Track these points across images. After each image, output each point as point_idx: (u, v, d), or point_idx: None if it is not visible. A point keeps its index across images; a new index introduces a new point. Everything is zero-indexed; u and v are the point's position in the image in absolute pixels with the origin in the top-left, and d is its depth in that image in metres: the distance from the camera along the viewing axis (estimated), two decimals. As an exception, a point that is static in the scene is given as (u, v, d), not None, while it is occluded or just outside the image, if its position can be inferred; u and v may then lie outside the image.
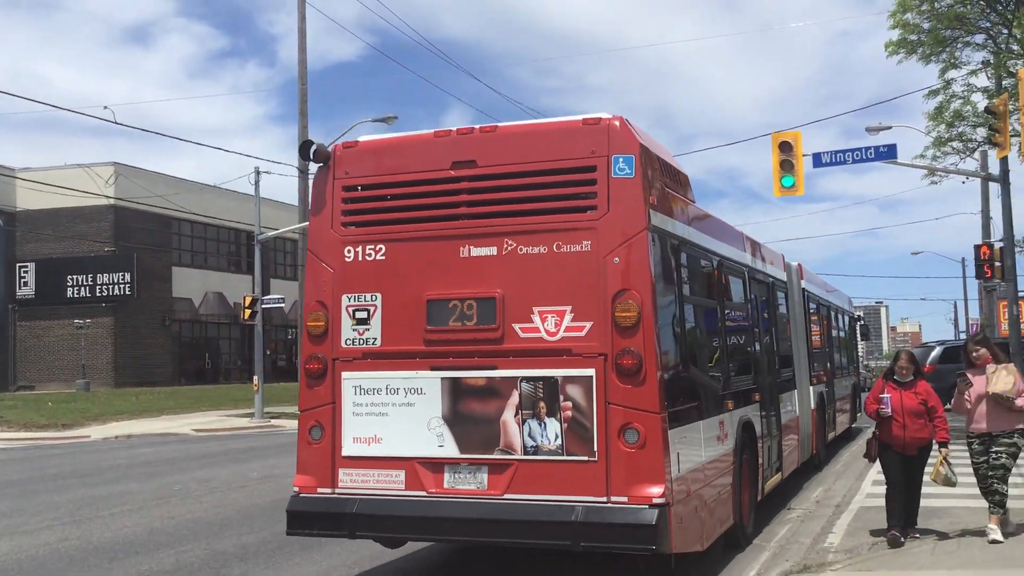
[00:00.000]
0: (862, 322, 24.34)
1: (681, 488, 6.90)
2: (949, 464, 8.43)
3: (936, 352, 27.44)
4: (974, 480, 8.71)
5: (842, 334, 20.33)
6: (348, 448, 7.35)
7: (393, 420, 7.27)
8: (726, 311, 9.51)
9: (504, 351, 7.01)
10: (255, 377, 30.13)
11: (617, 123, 7.00)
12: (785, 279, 13.55)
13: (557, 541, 6.80)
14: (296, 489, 7.50)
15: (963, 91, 21.27)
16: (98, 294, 46.33)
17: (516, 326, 7.00)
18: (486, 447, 6.99)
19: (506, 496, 6.87)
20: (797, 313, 14.23)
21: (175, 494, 13.54)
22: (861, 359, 31.42)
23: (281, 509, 7.83)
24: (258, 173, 32.01)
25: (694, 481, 7.33)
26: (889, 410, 8.56)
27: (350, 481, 7.31)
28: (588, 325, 6.80)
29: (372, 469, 7.27)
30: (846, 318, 21.40)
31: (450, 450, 7.09)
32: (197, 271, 51.37)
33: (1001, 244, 23.64)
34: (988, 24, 20.80)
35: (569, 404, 6.77)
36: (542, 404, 6.85)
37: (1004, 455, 8.36)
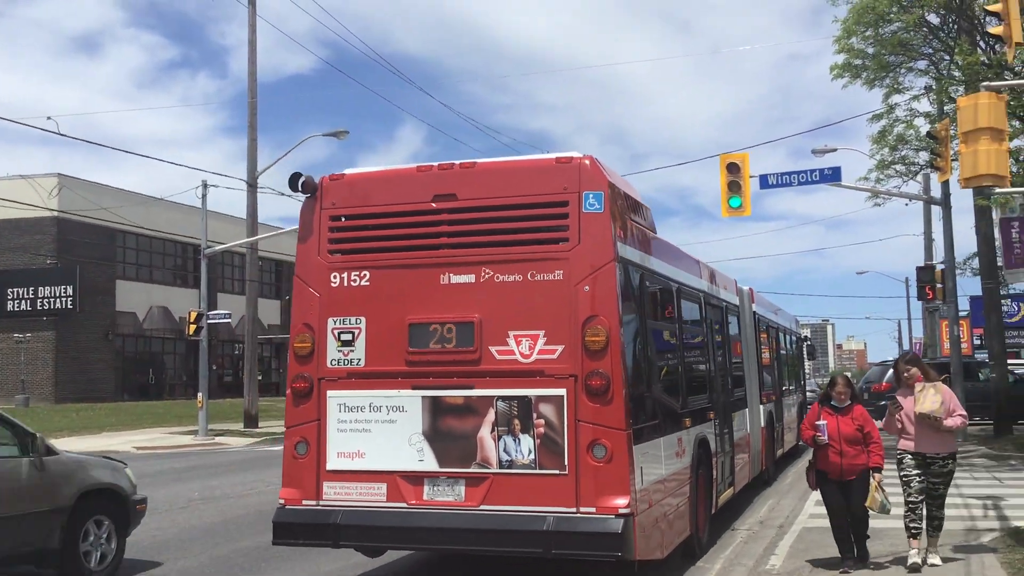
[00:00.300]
0: (808, 342, 25.11)
1: (644, 500, 7.37)
2: (884, 490, 8.21)
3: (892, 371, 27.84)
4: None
5: (789, 354, 21.14)
6: (332, 462, 7.71)
7: (376, 436, 7.65)
8: (684, 335, 10.09)
9: (481, 372, 7.45)
10: (199, 394, 29.67)
11: (587, 162, 7.56)
12: (737, 303, 14.20)
13: (530, 549, 7.23)
14: (282, 501, 7.80)
15: (906, 115, 21.67)
16: (39, 307, 45.31)
17: (493, 348, 7.45)
18: (464, 461, 7.41)
19: (482, 507, 7.28)
20: (748, 336, 14.88)
21: (113, 515, 13.20)
22: (808, 377, 32.16)
23: (221, 531, 7.74)
24: (205, 186, 31.61)
25: (655, 493, 7.80)
26: (825, 437, 8.37)
27: (334, 494, 7.68)
28: (560, 348, 7.28)
29: (355, 482, 7.64)
30: (793, 339, 22.21)
31: (430, 464, 7.50)
32: (142, 285, 50.50)
33: (942, 266, 24.12)
34: (931, 51, 21.25)
35: (542, 421, 7.23)
36: (517, 421, 7.30)
37: (941, 485, 8.26)
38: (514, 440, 7.28)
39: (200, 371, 30.55)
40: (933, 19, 20.42)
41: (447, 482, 7.44)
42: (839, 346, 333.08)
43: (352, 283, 7.93)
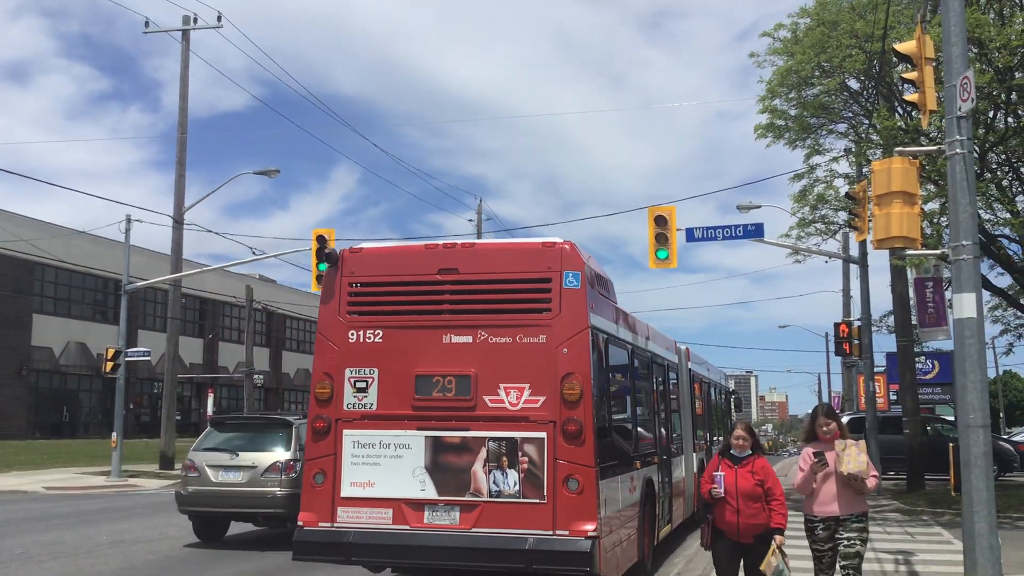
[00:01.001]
0: (735, 395, 27.24)
1: (607, 526, 8.79)
2: (783, 554, 7.44)
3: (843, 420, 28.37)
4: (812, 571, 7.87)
5: (718, 406, 23.04)
6: (346, 490, 9.05)
7: (384, 468, 9.03)
8: (637, 389, 11.91)
9: (476, 417, 8.88)
10: (114, 433, 28.83)
11: (567, 246, 9.15)
12: (676, 361, 16.12)
13: (513, 564, 8.51)
14: (301, 523, 9.08)
15: (826, 176, 22.27)
16: (-51, 340, 43.74)
17: (486, 398, 8.91)
18: (459, 491, 8.78)
19: (473, 529, 8.63)
20: (684, 390, 16.91)
21: (15, 558, 12.73)
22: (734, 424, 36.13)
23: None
24: (129, 221, 30.97)
25: (614, 522, 9.31)
26: (722, 491, 7.59)
27: (347, 517, 9.01)
28: (542, 399, 8.76)
29: (365, 508, 8.98)
30: (722, 392, 24.28)
31: (430, 493, 8.86)
32: (60, 319, 49.10)
33: (859, 323, 24.73)
34: (851, 114, 21.93)
35: (526, 459, 8.65)
36: (505, 458, 8.71)
37: (858, 541, 7.56)
38: (502, 474, 8.70)
39: (116, 410, 29.70)
40: (853, 84, 21.11)
41: (444, 508, 8.82)
42: (762, 398, 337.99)
43: (367, 339, 9.42)
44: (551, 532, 8.38)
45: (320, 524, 9.01)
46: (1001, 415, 65.11)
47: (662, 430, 13.61)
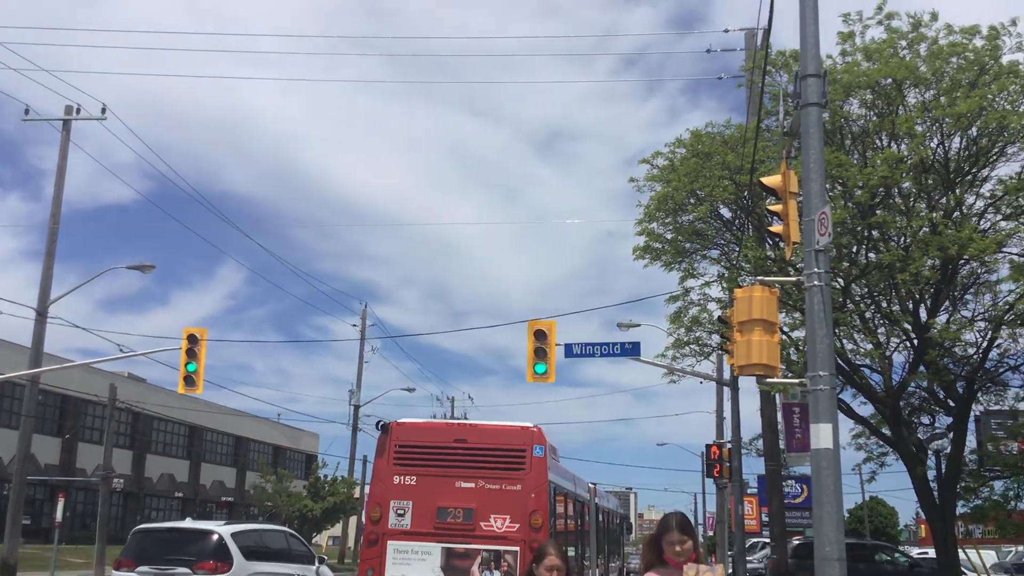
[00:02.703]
0: (628, 521, 35.59)
1: None
2: None
3: (793, 545, 28.36)
4: None
5: (615, 530, 28.15)
6: None
7: (414, 567, 13.94)
8: (569, 520, 17.19)
9: (475, 535, 14.03)
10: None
11: (536, 430, 14.88)
12: (588, 498, 20.81)
13: None
14: None
15: (700, 299, 22.75)
16: None
17: (481, 523, 14.08)
18: None
19: None
20: (594, 519, 21.67)
21: None
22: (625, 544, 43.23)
23: None
24: (-12, 312, 29.41)
25: None
26: None
27: None
28: (517, 525, 13.93)
29: None
30: (618, 517, 29.69)
31: None
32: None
33: (730, 445, 25.05)
34: (723, 242, 22.64)
35: (506, 563, 13.65)
36: (492, 563, 13.69)
37: None
38: (490, 572, 13.70)
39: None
40: (726, 213, 21.87)
41: None
42: (640, 515, 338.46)
43: (406, 482, 14.66)
44: None
45: None
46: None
47: (584, 549, 19.69)
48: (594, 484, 22.23)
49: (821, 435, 9.33)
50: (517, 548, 13.60)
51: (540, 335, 22.83)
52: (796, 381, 11.54)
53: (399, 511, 14.37)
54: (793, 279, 12.78)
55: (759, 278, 11.55)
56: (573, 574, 7.77)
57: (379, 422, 15.49)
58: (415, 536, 14.10)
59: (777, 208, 13.15)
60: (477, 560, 13.72)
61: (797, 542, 29.54)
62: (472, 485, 14.24)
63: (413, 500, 14.32)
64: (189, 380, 26.33)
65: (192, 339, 26.45)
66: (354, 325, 55.94)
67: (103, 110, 32.62)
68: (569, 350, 23.93)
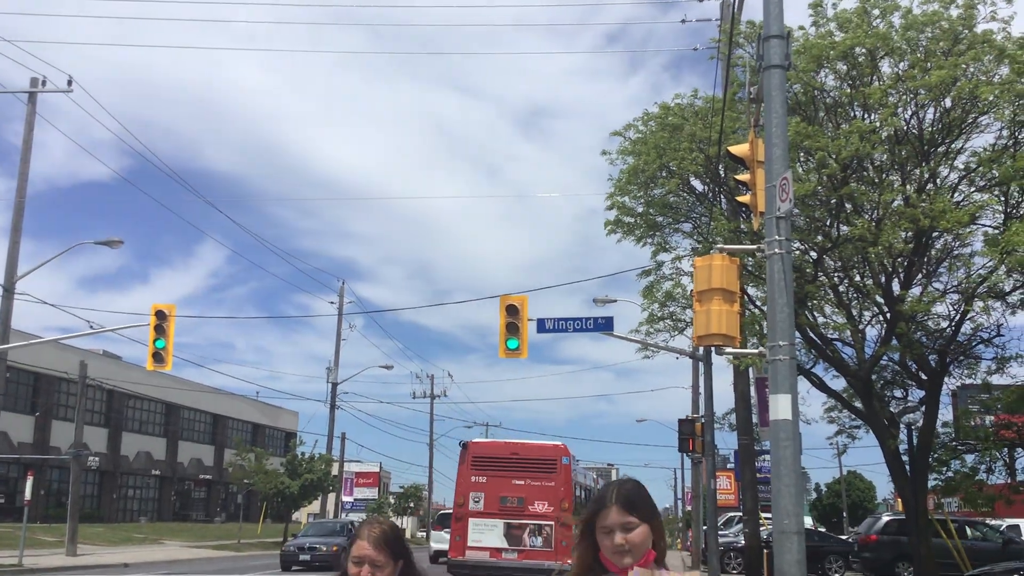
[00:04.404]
0: None
1: None
2: None
3: (882, 522, 28.08)
4: None
5: None
6: (470, 543, 21.79)
7: (486, 535, 21.76)
8: (583, 502, 22.66)
9: (525, 515, 21.80)
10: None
11: (563, 446, 23.05)
12: (591, 484, 27.09)
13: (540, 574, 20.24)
14: (449, 556, 22.38)
15: (672, 273, 22.56)
16: None
17: (529, 507, 21.82)
18: (517, 545, 21.61)
19: (523, 561, 21.41)
20: None
21: None
22: None
23: None
24: (-48, 287, 28.90)
25: None
26: None
27: (469, 554, 21.65)
28: (552, 508, 21.66)
29: (478, 551, 21.65)
30: None
31: (505, 545, 21.70)
32: None
33: (703, 420, 24.94)
34: (696, 215, 22.42)
35: (545, 533, 21.64)
36: (537, 532, 21.66)
37: None
38: (535, 538, 21.58)
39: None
40: (698, 185, 21.63)
41: (511, 552, 21.54)
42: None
43: (478, 480, 22.16)
44: (556, 564, 17.19)
45: (455, 556, 21.97)
46: (844, 514, 67.03)
47: None
48: (596, 475, 31.59)
49: (780, 406, 9.10)
50: (552, 522, 21.64)
51: (512, 310, 22.63)
52: (755, 351, 11.32)
53: (475, 499, 22.18)
54: (753, 247, 12.54)
55: (719, 246, 11.31)
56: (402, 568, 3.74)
57: (461, 441, 23.66)
58: (486, 515, 21.95)
59: (745, 177, 12.90)
60: (527, 531, 21.80)
61: (888, 518, 29.23)
62: (522, 483, 22.15)
63: (484, 492, 22.12)
64: (158, 356, 26.03)
65: (160, 315, 26.09)
66: (332, 303, 55.60)
67: (69, 82, 32.07)
68: (542, 325, 23.75)
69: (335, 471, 54.97)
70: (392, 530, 3.69)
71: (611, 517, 3.24)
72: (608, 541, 3.23)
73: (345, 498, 69.80)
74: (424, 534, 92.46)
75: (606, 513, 3.26)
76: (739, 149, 12.81)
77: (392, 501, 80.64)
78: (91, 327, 32.23)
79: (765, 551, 17.89)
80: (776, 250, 9.41)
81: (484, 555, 21.64)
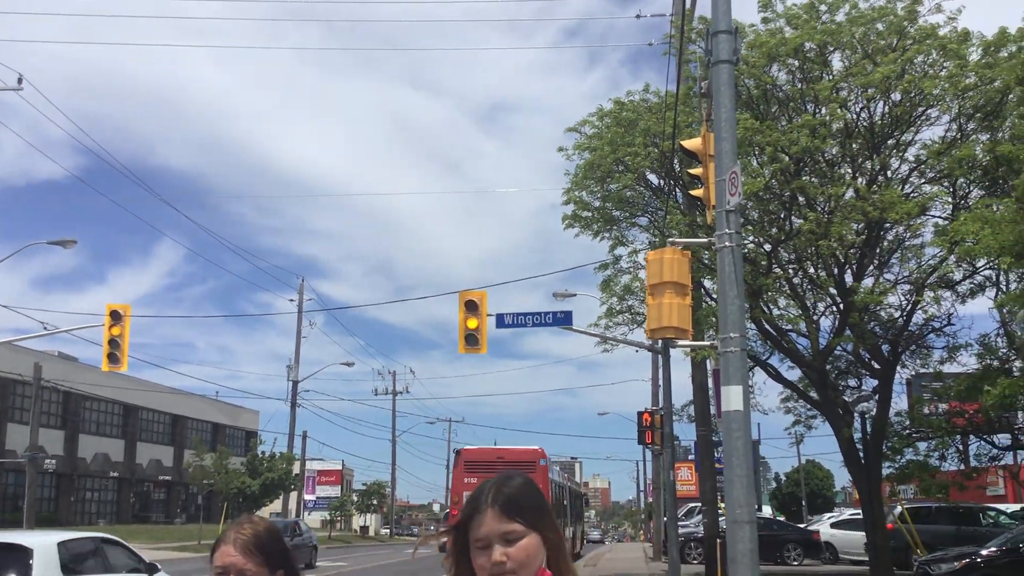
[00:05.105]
0: (586, 496, 50.56)
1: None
2: None
3: (897, 511, 28.20)
4: None
5: (579, 504, 44.64)
6: None
7: None
8: (560, 499, 32.71)
9: None
10: None
11: (540, 450, 30.12)
12: (567, 484, 33.52)
13: None
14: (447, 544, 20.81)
15: (629, 267, 22.74)
16: None
17: None
18: None
19: None
20: (567, 495, 36.07)
21: None
22: (585, 510, 56.71)
23: None
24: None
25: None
26: None
27: None
28: None
29: None
30: (580, 495, 46.14)
31: None
32: None
33: (662, 412, 25.16)
34: (652, 209, 22.60)
35: None
36: None
37: None
38: None
39: None
40: (655, 180, 21.80)
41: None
42: (585, 484, 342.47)
43: (470, 480, 26.50)
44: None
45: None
46: (803, 503, 67.87)
47: (567, 514, 33.58)
48: (567, 475, 39.43)
49: (732, 397, 9.24)
50: None
51: (471, 306, 22.72)
52: (707, 344, 11.46)
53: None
54: (704, 240, 12.68)
55: (671, 240, 11.43)
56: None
57: (455, 449, 29.80)
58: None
59: (697, 172, 13.04)
60: None
61: (901, 508, 29.40)
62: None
63: None
64: (113, 357, 25.78)
65: (115, 315, 25.83)
66: (291, 300, 55.27)
67: (19, 80, 31.53)
68: (501, 320, 23.84)
69: (297, 470, 54.69)
70: (268, 533, 2.95)
71: (486, 525, 2.34)
72: (483, 559, 2.31)
73: (307, 496, 69.48)
74: (388, 531, 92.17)
75: (480, 520, 2.37)
76: (692, 144, 12.94)
77: (355, 499, 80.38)
78: (45, 328, 31.83)
79: (719, 541, 18.10)
80: (727, 243, 9.53)
81: None
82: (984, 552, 17.62)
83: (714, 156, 11.59)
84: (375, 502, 79.41)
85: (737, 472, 8.96)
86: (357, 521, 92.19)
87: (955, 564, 17.42)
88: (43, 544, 11.96)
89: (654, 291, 9.63)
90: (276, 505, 58.30)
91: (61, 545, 12.21)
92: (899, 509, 28.10)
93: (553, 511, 2.58)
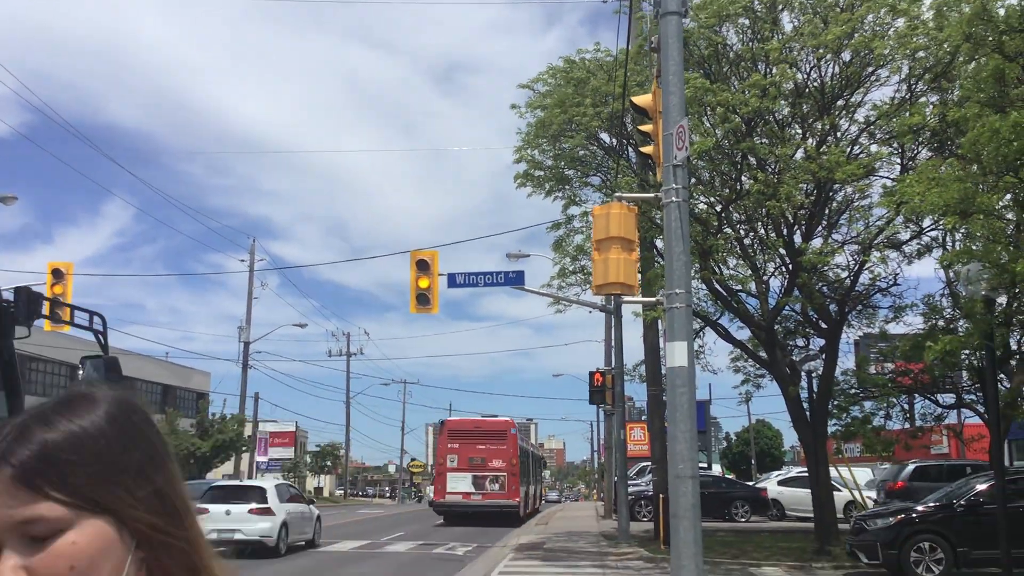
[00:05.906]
0: (544, 460, 62.62)
1: (522, 500, 38.23)
2: None
3: (908, 469, 28.19)
4: None
5: (539, 464, 52.85)
6: (448, 490, 36.49)
7: (459, 483, 36.18)
8: (526, 462, 41.19)
9: (486, 468, 36.30)
10: None
11: (511, 420, 39.80)
12: (531, 450, 50.05)
13: (500, 513, 35.76)
14: (433, 499, 38.88)
15: (582, 227, 22.64)
16: None
17: (489, 463, 36.39)
18: (481, 489, 36.25)
19: (485, 501, 36.00)
20: (531, 459, 44.57)
21: None
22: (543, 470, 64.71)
23: None
24: None
25: (525, 499, 39.05)
26: None
27: (448, 497, 36.40)
28: (503, 464, 36.53)
29: (453, 495, 36.22)
30: (540, 459, 54.80)
31: (472, 490, 36.22)
32: None
33: (613, 372, 25.24)
34: (605, 168, 22.49)
35: (499, 481, 36.34)
36: (495, 481, 36.30)
37: None
38: (493, 485, 36.11)
39: None
40: (607, 139, 21.67)
41: (476, 495, 36.04)
42: (541, 445, 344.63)
43: (452, 447, 36.64)
44: (509, 501, 35.83)
45: (438, 500, 36.85)
46: (753, 462, 68.93)
47: (531, 475, 42.94)
48: (532, 442, 52.45)
49: (676, 353, 9.23)
50: (505, 474, 35.72)
51: (423, 265, 22.46)
52: (652, 300, 11.43)
53: (451, 460, 35.99)
54: (651, 196, 12.61)
55: (617, 194, 11.34)
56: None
57: (440, 420, 38.11)
58: (459, 470, 35.69)
59: (649, 128, 12.93)
60: (487, 480, 35.26)
61: (914, 465, 29.45)
62: (483, 447, 36.03)
63: (457, 455, 35.86)
64: (55, 317, 25.22)
65: (57, 273, 25.24)
66: (242, 260, 54.56)
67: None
68: (452, 280, 23.62)
69: (249, 431, 54.37)
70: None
71: None
72: None
73: (259, 458, 69.15)
74: (342, 492, 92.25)
75: None
76: (642, 100, 12.83)
77: (309, 460, 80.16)
78: (-14, 287, 31.09)
79: (661, 496, 18.24)
80: (673, 198, 9.46)
81: (458, 497, 35.91)
82: (920, 508, 17.94)
83: (663, 110, 11.50)
84: (329, 463, 79.31)
85: (681, 428, 8.97)
86: (311, 482, 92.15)
87: (890, 520, 17.74)
88: (269, 485, 23.58)
89: (600, 246, 9.55)
90: (228, 467, 57.98)
91: (276, 485, 23.88)
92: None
93: (164, 471, 1.28)
